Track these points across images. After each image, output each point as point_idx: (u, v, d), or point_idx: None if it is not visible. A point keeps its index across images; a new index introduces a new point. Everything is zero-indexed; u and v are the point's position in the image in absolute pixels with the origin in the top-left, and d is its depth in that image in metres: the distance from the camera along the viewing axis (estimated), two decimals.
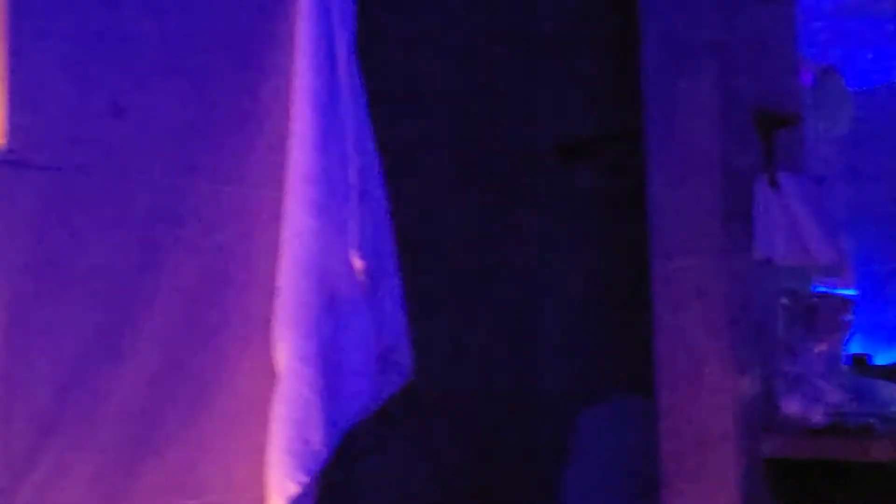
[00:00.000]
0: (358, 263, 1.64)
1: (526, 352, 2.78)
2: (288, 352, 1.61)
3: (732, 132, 2.28)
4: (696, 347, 2.23)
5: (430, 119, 2.62)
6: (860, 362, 2.83)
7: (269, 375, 1.64)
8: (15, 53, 1.41)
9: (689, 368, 2.24)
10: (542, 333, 2.81)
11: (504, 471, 2.66)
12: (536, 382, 2.77)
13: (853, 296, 2.67)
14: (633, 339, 2.47)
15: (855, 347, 2.77)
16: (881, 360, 3.04)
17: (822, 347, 2.19)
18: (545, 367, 2.79)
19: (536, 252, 2.81)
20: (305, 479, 1.57)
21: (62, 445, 1.42)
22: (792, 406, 2.17)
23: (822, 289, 2.53)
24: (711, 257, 2.24)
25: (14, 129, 1.40)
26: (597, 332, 2.83)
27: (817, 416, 2.15)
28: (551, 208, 2.86)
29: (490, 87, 2.76)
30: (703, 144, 2.26)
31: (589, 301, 2.86)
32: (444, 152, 2.66)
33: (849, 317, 2.28)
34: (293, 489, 1.56)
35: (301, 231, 1.62)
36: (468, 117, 2.71)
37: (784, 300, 2.26)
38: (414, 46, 2.59)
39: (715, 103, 2.25)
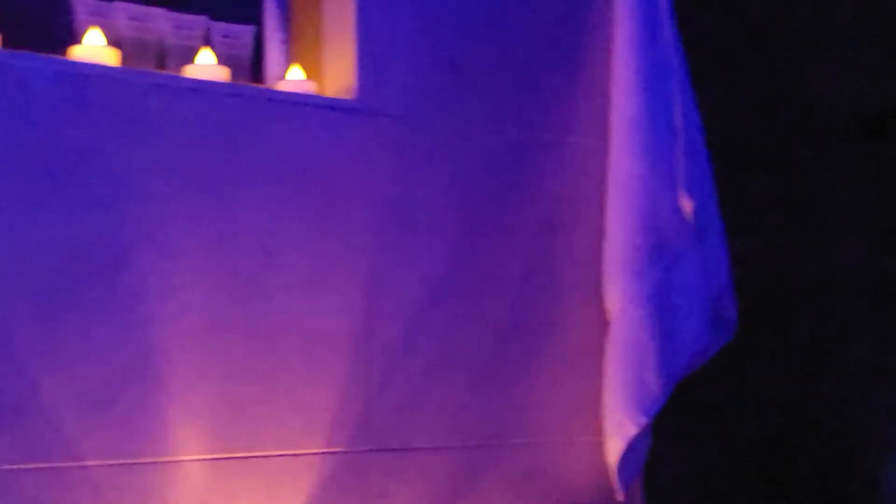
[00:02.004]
0: (687, 205, 1.62)
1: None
2: (620, 295, 1.61)
3: None
4: None
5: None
6: None
7: (599, 320, 1.65)
8: (363, 15, 1.51)
9: None
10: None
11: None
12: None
13: None
14: None
15: None
16: None
17: None
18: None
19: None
20: (644, 420, 1.56)
21: (416, 372, 1.49)
22: None
23: None
24: None
25: (363, 82, 1.50)
26: None
27: None
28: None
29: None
30: None
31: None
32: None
33: None
34: (632, 430, 1.55)
35: (629, 175, 1.63)
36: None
37: None
38: None
39: None
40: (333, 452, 1.40)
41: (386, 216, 1.50)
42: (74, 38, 1.38)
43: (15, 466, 1.18)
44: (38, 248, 1.23)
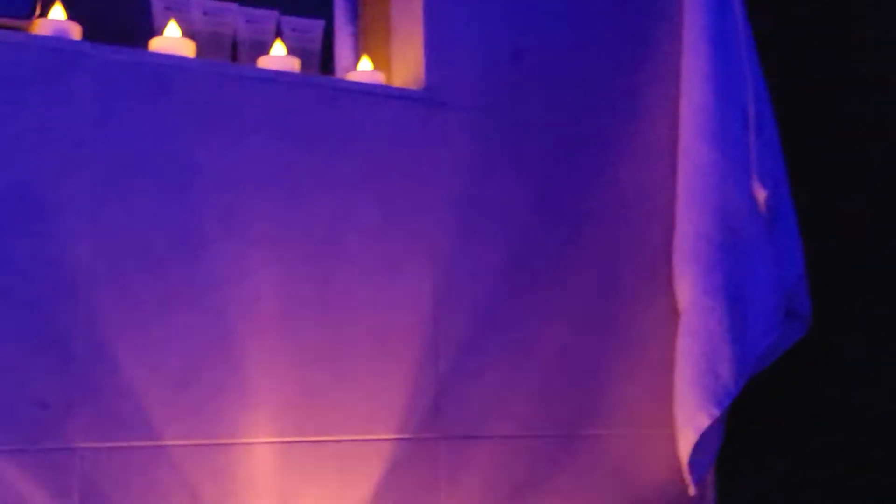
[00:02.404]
0: (760, 194, 1.60)
1: None
2: (691, 286, 1.59)
3: None
4: None
5: None
6: None
7: (671, 311, 1.64)
8: (430, 7, 1.53)
9: None
10: None
11: None
12: None
13: None
14: None
15: None
16: None
17: None
18: None
19: None
20: (716, 412, 1.54)
21: (485, 362, 1.49)
22: None
23: None
24: None
25: (431, 73, 1.52)
26: None
27: None
28: None
29: None
30: None
31: None
32: None
33: None
34: (704, 422, 1.53)
35: (700, 163, 1.61)
36: None
37: None
38: None
39: None
40: (403, 439, 1.41)
41: (454, 206, 1.51)
42: (151, 34, 1.42)
43: (94, 445, 1.21)
44: (119, 234, 1.26)
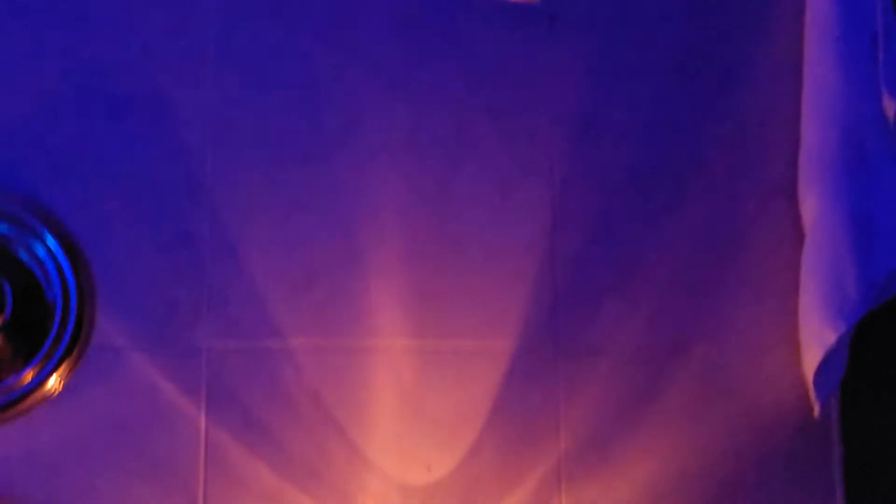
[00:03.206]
0: (890, 109, 1.54)
1: None
2: (816, 203, 1.54)
3: None
4: None
5: None
6: None
7: (794, 230, 1.59)
8: None
9: None
10: None
11: None
12: None
13: None
14: None
15: None
16: None
17: None
18: None
19: None
20: (843, 326, 1.48)
21: (601, 279, 1.48)
22: None
23: None
24: None
25: None
26: None
27: None
28: None
29: None
30: None
31: None
32: None
33: None
34: (831, 337, 1.48)
35: (825, 79, 1.55)
36: None
37: None
38: None
39: None
40: (521, 352, 1.41)
41: (572, 123, 1.50)
42: None
43: (221, 346, 1.25)
44: (244, 144, 1.31)
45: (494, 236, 1.42)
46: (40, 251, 1.19)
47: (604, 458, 1.42)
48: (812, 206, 1.55)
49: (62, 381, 1.17)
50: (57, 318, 1.17)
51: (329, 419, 1.28)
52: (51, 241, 1.19)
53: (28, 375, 1.16)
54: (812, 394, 1.52)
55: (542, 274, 1.45)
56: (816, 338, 1.50)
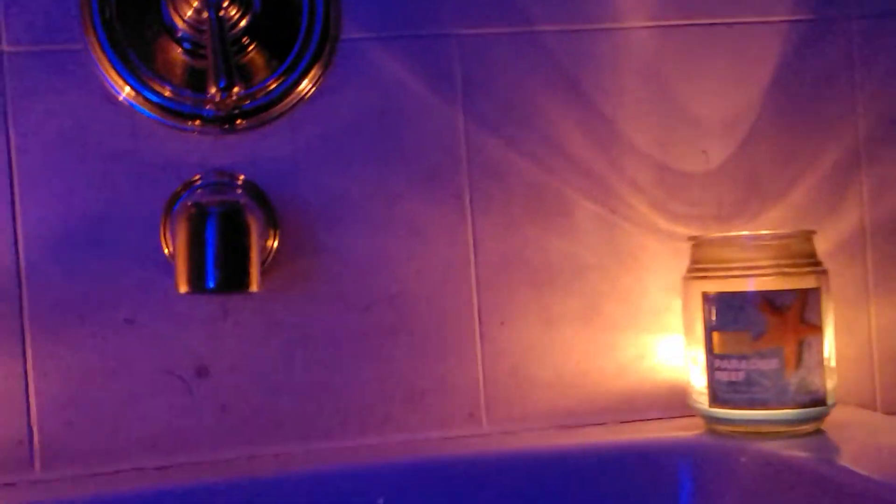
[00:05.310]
0: None
1: None
2: None
3: None
4: None
5: None
6: None
7: None
8: None
9: None
10: None
11: None
12: None
13: None
14: None
15: None
16: None
17: None
18: None
19: None
20: None
21: None
22: None
23: None
24: None
25: None
26: None
27: None
28: None
29: None
30: None
31: None
32: None
33: None
34: None
35: None
36: None
37: None
38: None
39: None
40: (803, 20, 1.24)
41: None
42: None
43: (471, 31, 1.17)
44: None
45: None
46: None
47: None
48: None
49: (314, 84, 1.15)
50: (305, 17, 1.14)
51: (589, 104, 1.19)
52: None
53: (280, 78, 1.14)
54: None
55: None
56: None
